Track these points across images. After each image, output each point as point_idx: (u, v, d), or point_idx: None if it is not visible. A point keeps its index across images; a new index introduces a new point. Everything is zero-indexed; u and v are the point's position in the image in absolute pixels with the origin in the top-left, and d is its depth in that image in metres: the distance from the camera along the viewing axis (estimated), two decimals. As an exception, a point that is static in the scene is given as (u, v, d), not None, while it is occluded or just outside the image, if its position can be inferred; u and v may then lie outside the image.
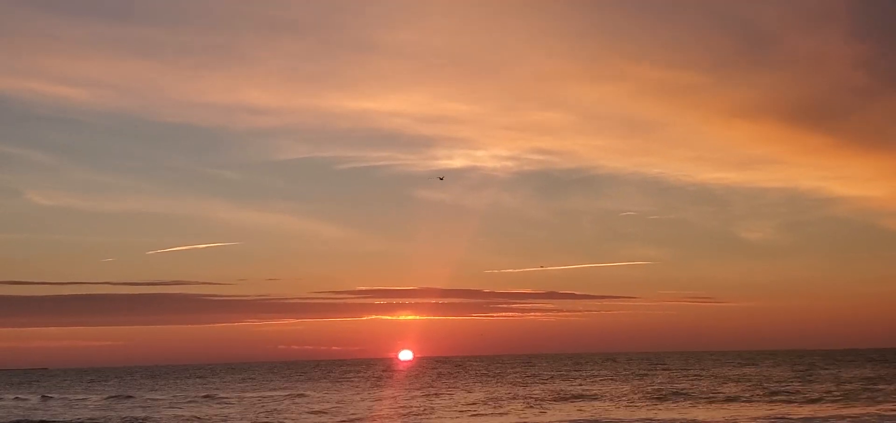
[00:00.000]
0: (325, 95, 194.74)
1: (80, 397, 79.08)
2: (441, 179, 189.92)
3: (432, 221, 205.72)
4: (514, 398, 55.56)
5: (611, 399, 53.14)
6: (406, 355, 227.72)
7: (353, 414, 51.08)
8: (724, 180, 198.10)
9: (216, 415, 50.10)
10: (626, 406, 46.84)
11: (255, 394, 72.39)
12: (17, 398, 79.93)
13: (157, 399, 69.38)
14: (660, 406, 47.84)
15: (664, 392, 55.03)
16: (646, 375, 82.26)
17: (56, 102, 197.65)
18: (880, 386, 59.31)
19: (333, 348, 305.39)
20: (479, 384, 77.25)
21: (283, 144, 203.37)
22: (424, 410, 50.99)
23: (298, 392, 72.42)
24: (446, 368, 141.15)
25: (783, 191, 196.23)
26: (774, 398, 51.63)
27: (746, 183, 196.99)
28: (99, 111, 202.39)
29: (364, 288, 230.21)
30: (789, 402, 48.48)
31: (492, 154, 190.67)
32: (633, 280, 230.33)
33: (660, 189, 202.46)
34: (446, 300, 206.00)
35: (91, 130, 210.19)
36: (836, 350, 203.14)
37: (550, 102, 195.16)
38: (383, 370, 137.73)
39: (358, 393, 70.20)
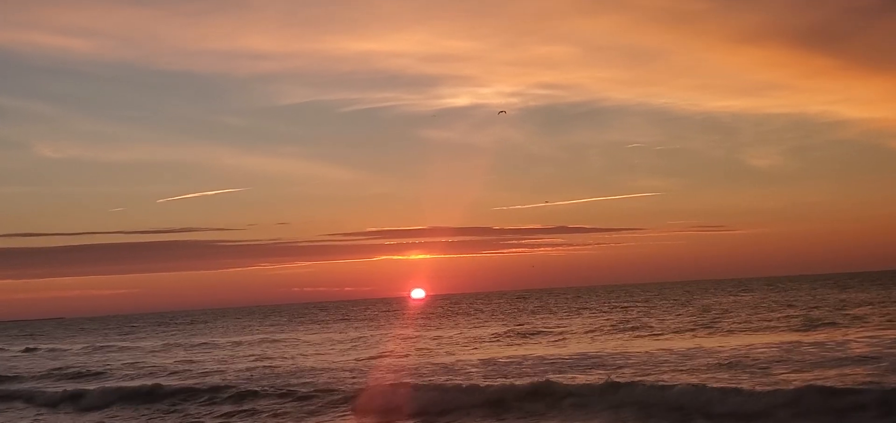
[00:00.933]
0: (326, 39, 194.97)
1: (65, 346, 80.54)
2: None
3: (439, 160, 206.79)
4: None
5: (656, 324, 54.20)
6: (418, 293, 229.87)
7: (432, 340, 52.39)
8: (730, 108, 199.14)
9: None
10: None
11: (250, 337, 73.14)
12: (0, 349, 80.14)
13: (139, 346, 70.29)
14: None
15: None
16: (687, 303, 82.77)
17: (57, 53, 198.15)
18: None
19: (346, 288, 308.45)
20: (514, 316, 78.63)
21: (286, 89, 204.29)
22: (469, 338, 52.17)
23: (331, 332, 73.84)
24: (468, 303, 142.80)
25: (790, 116, 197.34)
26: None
27: (753, 109, 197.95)
28: (100, 61, 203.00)
29: (374, 229, 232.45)
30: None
31: (496, 91, 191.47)
32: (641, 212, 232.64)
33: (666, 119, 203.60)
34: (456, 239, 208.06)
35: (94, 81, 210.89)
36: (843, 273, 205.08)
37: (553, 36, 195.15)
38: (411, 308, 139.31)
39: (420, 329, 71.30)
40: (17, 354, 71.17)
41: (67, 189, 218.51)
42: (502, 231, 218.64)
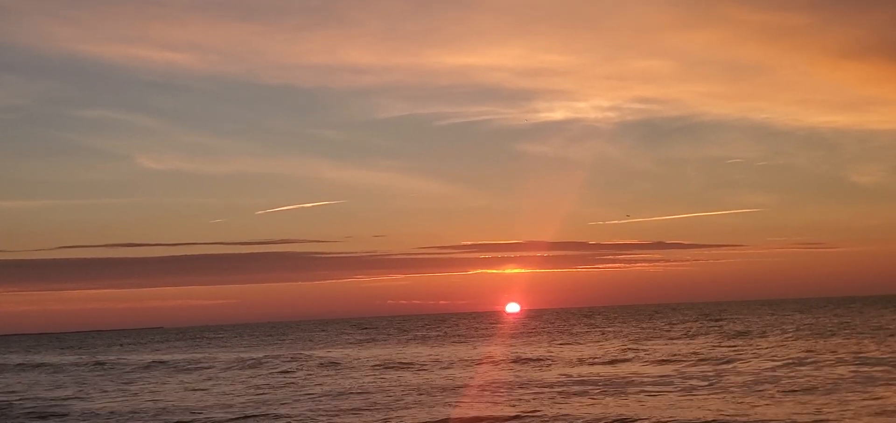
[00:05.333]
0: (424, 53, 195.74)
1: (133, 357, 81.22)
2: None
3: (534, 174, 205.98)
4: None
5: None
6: (513, 307, 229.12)
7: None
8: (832, 123, 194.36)
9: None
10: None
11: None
12: (76, 360, 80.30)
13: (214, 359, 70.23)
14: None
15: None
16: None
17: (161, 68, 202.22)
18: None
19: (441, 301, 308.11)
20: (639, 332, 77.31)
21: (383, 103, 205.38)
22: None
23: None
24: (572, 319, 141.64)
25: (894, 132, 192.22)
26: None
27: (856, 125, 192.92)
28: (203, 75, 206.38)
29: (469, 243, 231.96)
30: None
31: (593, 105, 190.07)
32: (740, 228, 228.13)
33: (766, 134, 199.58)
34: (551, 253, 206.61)
35: (195, 94, 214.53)
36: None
37: (651, 51, 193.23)
38: (517, 323, 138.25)
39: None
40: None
41: (168, 200, 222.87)
42: (598, 246, 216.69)
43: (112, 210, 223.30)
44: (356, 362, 58.48)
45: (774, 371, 37.68)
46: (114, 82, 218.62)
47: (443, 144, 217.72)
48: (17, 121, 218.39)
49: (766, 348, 52.12)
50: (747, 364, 41.52)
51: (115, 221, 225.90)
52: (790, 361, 41.96)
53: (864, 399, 27.68)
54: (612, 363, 47.11)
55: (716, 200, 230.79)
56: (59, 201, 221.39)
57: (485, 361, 53.25)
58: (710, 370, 40.24)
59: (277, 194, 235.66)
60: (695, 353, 50.73)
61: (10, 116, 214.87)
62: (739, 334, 68.17)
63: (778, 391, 30.66)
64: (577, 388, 35.23)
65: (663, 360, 46.87)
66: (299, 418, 30.52)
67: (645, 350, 55.17)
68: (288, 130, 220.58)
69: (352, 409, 32.02)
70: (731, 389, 32.24)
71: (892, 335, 57.19)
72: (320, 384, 43.25)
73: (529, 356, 55.68)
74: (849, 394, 29.10)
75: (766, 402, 28.29)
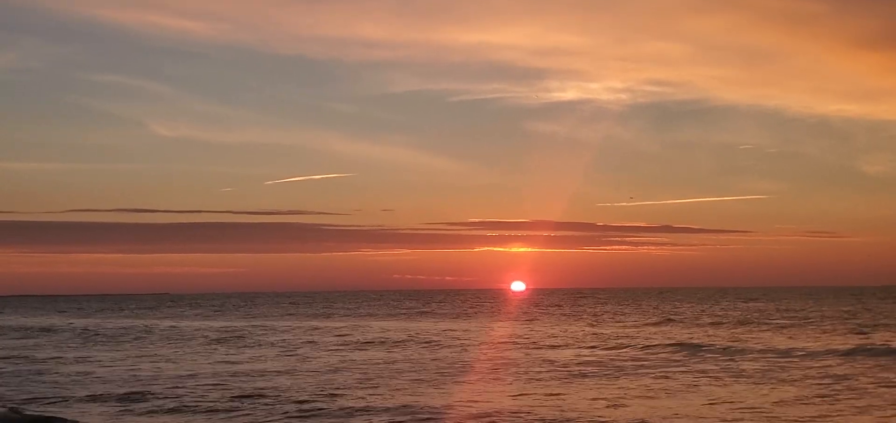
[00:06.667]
0: (437, 28, 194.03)
1: (124, 322, 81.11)
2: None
3: (545, 154, 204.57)
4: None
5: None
6: (519, 286, 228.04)
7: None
8: (845, 112, 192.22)
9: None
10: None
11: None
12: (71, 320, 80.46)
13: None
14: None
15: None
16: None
17: (175, 35, 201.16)
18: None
19: (447, 278, 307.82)
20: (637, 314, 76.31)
21: (396, 77, 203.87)
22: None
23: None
24: (573, 298, 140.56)
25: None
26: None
27: (868, 115, 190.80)
28: (217, 44, 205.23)
29: (476, 220, 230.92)
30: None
31: (605, 86, 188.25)
32: (749, 214, 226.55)
33: (778, 122, 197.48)
34: (559, 233, 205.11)
35: (209, 63, 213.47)
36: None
37: (666, 33, 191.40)
38: (525, 302, 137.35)
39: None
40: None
41: (179, 167, 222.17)
42: (606, 228, 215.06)
43: (123, 175, 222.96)
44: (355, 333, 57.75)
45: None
46: (128, 48, 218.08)
47: (454, 120, 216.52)
48: (31, 83, 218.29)
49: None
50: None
51: (125, 185, 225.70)
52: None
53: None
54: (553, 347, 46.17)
55: (725, 186, 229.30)
56: (71, 165, 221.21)
57: (483, 340, 52.31)
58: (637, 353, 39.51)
59: (287, 165, 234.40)
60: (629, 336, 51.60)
61: (25, 78, 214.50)
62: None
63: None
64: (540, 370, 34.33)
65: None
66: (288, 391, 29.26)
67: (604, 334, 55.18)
68: (299, 102, 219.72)
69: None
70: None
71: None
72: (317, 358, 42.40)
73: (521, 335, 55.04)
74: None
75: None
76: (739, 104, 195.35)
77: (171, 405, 26.44)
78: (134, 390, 30.08)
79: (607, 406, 25.09)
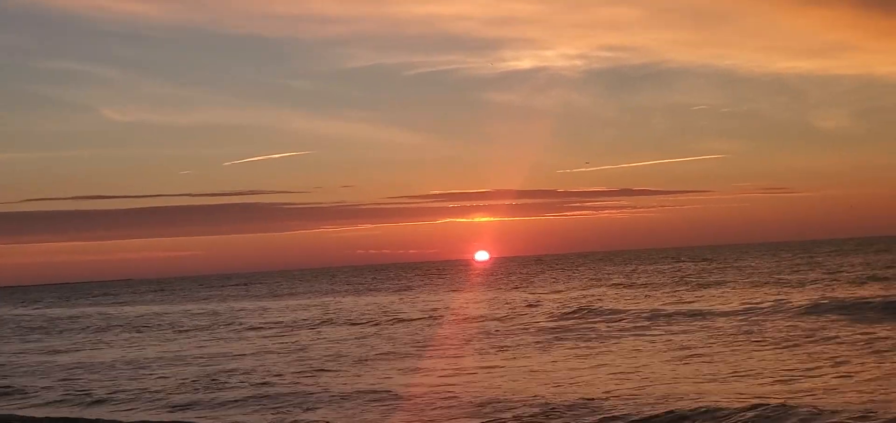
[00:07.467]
0: (391, 2, 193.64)
1: (76, 311, 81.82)
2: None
3: (503, 123, 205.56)
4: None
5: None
6: (482, 255, 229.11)
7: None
8: (797, 69, 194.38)
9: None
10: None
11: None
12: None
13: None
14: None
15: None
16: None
17: (124, 18, 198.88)
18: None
19: (410, 251, 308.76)
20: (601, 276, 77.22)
21: (351, 53, 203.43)
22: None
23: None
24: (535, 267, 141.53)
25: (857, 77, 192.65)
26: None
27: (820, 71, 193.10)
28: (167, 25, 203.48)
29: (438, 192, 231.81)
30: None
31: (560, 53, 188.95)
32: (706, 174, 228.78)
33: (731, 81, 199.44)
34: (519, 201, 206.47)
35: (160, 45, 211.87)
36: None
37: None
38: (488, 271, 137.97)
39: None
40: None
41: (135, 152, 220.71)
42: (566, 194, 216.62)
43: (78, 162, 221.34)
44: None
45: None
46: (75, 33, 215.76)
47: (411, 93, 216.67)
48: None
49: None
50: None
51: (81, 173, 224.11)
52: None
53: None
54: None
55: (682, 147, 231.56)
56: (24, 154, 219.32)
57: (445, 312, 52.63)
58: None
59: (245, 145, 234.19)
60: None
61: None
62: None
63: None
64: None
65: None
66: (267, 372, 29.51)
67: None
68: (255, 81, 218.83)
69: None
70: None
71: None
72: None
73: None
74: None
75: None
76: (693, 65, 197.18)
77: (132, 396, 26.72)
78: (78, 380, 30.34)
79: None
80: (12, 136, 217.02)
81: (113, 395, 26.49)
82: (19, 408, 25.24)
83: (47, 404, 26.01)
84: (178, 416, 22.72)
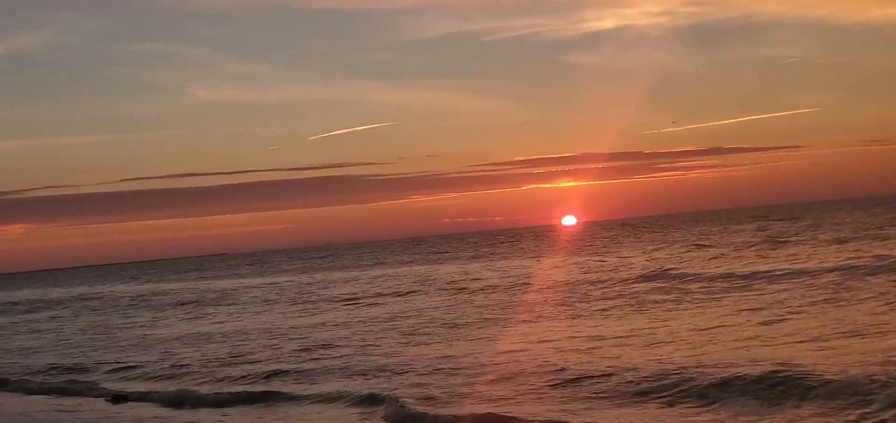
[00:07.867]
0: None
1: (173, 285, 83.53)
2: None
3: (586, 85, 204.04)
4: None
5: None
6: (570, 220, 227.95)
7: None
8: (893, 16, 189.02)
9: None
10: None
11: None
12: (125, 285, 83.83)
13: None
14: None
15: None
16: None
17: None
18: None
19: (496, 218, 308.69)
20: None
21: (430, 21, 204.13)
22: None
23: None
24: (623, 230, 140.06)
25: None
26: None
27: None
28: (249, 3, 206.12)
29: (522, 158, 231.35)
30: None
31: (643, 11, 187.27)
32: (799, 129, 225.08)
33: (824, 31, 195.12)
34: (606, 164, 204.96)
35: (243, 23, 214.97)
36: None
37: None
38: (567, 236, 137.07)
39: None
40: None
41: (223, 130, 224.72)
42: (654, 155, 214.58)
43: (170, 141, 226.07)
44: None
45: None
46: (162, 15, 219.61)
47: (492, 59, 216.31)
48: (68, 58, 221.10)
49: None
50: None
51: (173, 152, 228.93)
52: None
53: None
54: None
55: (773, 102, 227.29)
56: (119, 135, 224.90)
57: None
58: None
59: (329, 119, 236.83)
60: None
61: (62, 54, 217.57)
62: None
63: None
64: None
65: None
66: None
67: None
68: (336, 55, 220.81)
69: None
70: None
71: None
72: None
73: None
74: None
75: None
76: (782, 17, 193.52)
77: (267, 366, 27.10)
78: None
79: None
80: (108, 118, 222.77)
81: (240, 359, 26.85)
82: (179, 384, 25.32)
83: (152, 377, 26.58)
84: (276, 386, 22.90)
